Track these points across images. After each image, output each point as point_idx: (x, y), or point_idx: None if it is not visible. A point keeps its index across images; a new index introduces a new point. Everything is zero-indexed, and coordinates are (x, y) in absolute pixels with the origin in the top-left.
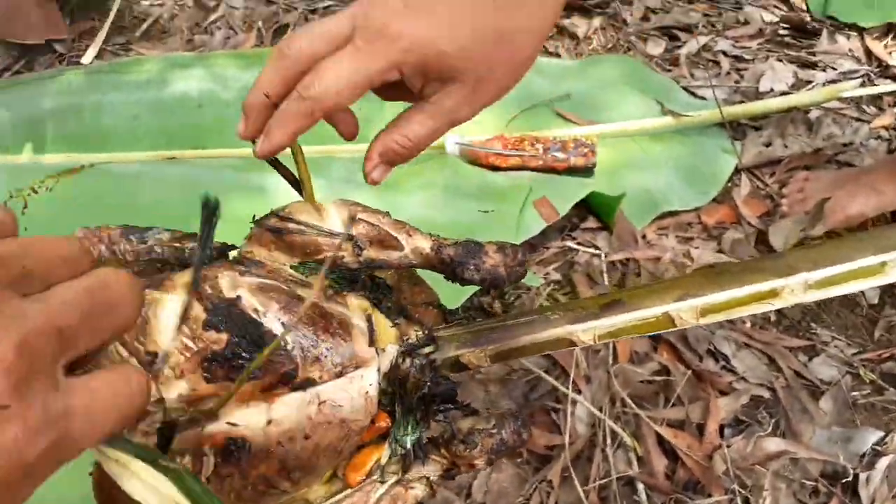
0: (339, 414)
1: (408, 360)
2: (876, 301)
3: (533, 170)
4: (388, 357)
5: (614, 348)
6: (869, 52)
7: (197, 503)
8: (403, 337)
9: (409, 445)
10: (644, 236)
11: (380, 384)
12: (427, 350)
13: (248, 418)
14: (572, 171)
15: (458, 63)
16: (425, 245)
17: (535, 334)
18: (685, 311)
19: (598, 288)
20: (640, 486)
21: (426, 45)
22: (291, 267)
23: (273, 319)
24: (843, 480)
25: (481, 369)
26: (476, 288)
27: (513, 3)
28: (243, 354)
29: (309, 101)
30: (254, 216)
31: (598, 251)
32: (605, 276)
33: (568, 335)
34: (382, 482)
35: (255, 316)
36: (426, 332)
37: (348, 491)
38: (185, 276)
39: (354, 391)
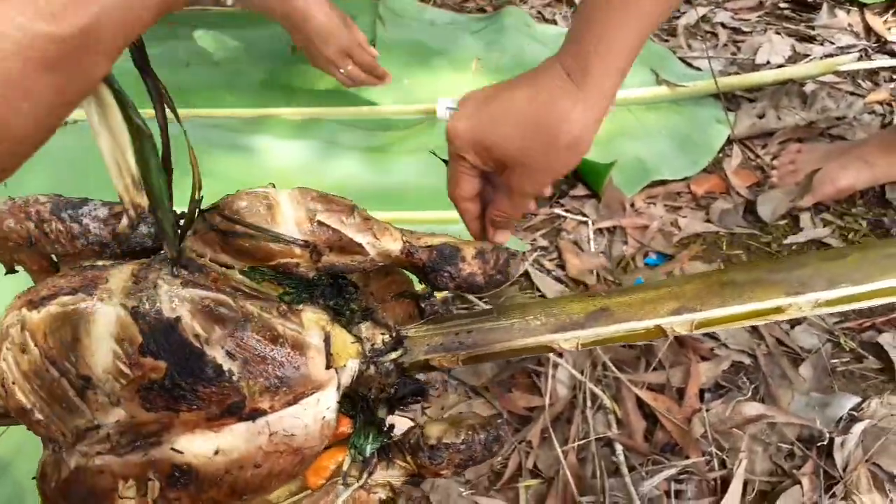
0: (292, 443)
1: (372, 368)
2: None
3: None
4: (349, 372)
5: None
6: (868, 28)
7: (146, 167)
8: (369, 342)
9: (368, 453)
10: (633, 204)
11: (338, 402)
12: (394, 356)
13: (194, 446)
14: None
15: (505, 156)
16: (394, 248)
17: (512, 341)
18: (679, 324)
19: (584, 255)
20: (619, 448)
21: (476, 143)
22: (241, 272)
23: (217, 347)
24: (819, 444)
25: None
26: None
27: (552, 97)
28: (183, 385)
29: (451, 200)
30: (198, 205)
31: (585, 218)
32: (592, 243)
33: (549, 343)
34: (345, 485)
35: (196, 343)
36: (394, 335)
37: (308, 492)
38: (122, 276)
39: (309, 418)
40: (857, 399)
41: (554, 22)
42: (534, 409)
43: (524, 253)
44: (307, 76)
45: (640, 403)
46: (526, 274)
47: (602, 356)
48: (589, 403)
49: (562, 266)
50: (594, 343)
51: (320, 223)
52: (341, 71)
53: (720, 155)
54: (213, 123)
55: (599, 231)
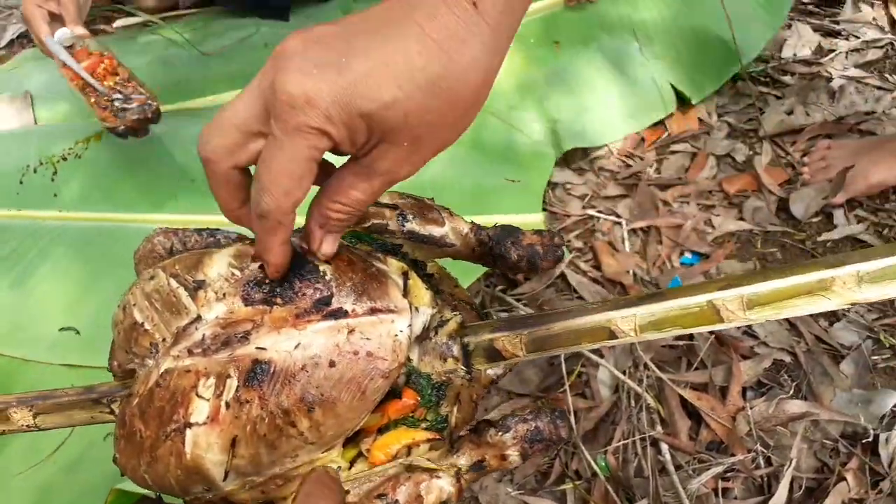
0: (366, 346)
1: (439, 337)
2: None
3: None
4: (422, 318)
5: None
6: (893, 21)
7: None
8: (439, 314)
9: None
10: (665, 203)
11: (409, 339)
12: (459, 322)
13: (278, 343)
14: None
15: (385, 122)
16: (464, 226)
17: (572, 320)
18: (730, 300)
19: (619, 255)
20: (665, 447)
21: (344, 108)
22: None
23: (315, 256)
24: (864, 441)
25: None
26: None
27: (454, 39)
28: (283, 281)
29: (268, 217)
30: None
31: (619, 219)
32: (627, 243)
33: (607, 322)
34: (407, 467)
35: (299, 249)
36: (460, 318)
37: (369, 471)
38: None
39: (384, 331)
40: None
41: None
42: (578, 411)
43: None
44: None
45: (684, 403)
46: (562, 276)
47: (643, 356)
48: (633, 404)
49: (597, 267)
50: (651, 325)
51: (405, 195)
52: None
53: (751, 153)
54: None
55: (633, 231)
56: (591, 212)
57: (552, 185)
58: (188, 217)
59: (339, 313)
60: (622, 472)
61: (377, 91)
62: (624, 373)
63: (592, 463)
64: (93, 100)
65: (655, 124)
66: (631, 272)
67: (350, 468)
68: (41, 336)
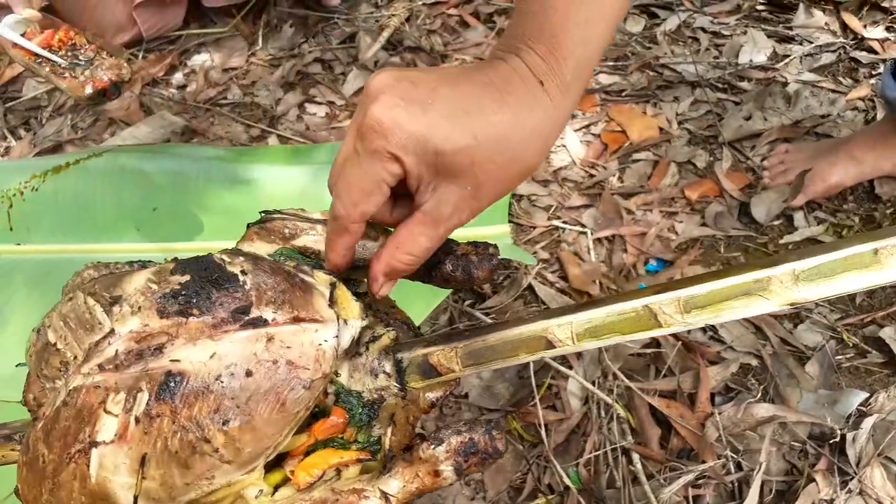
0: (286, 355)
1: (370, 354)
2: None
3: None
4: (350, 331)
5: None
6: (844, 26)
7: None
8: (370, 330)
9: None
10: (629, 211)
11: (336, 351)
12: (392, 336)
13: (192, 354)
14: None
15: (455, 165)
16: None
17: (508, 330)
18: (666, 303)
19: (585, 265)
20: (636, 457)
21: (421, 142)
22: (269, 255)
23: (235, 266)
24: (831, 441)
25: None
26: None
27: (523, 106)
28: (198, 290)
29: (337, 221)
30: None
31: (584, 229)
32: (592, 252)
33: (544, 331)
34: (333, 490)
35: (219, 262)
36: (393, 334)
37: (294, 495)
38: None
39: (307, 341)
40: (865, 394)
41: None
42: (548, 424)
43: (527, 267)
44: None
45: (653, 411)
46: (529, 287)
47: (612, 366)
48: (603, 414)
49: (564, 277)
50: (589, 333)
51: None
52: None
53: (711, 159)
54: (212, 156)
55: (598, 240)
56: (556, 222)
57: (517, 197)
58: (150, 245)
59: (259, 322)
60: (594, 483)
61: (453, 134)
62: (593, 383)
63: (564, 476)
64: (47, 69)
65: (616, 132)
66: (597, 281)
67: (274, 494)
68: None
